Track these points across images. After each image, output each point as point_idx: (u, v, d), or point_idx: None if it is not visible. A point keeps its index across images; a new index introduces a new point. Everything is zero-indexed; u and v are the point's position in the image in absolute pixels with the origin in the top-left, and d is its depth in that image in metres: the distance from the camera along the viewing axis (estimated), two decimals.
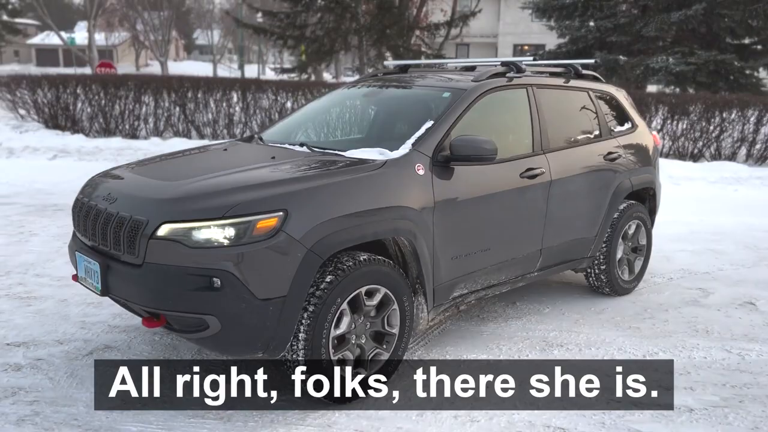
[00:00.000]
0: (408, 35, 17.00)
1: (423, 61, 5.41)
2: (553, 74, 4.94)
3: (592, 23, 16.38)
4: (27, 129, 13.28)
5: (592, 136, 4.81)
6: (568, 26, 16.81)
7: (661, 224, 7.50)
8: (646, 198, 5.38)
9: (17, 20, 45.23)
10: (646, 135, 5.36)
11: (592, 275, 5.01)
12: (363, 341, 3.36)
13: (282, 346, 3.07)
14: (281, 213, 2.98)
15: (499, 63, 4.57)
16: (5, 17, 43.03)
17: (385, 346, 3.45)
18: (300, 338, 3.09)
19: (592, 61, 5.13)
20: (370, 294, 3.33)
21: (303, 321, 3.08)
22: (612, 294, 5.07)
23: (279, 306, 2.98)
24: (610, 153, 4.83)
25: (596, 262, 4.92)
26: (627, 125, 5.19)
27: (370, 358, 3.38)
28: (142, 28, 45.80)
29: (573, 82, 4.84)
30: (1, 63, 52.69)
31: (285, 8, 16.37)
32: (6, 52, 57.59)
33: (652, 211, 5.43)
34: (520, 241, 4.20)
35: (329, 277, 3.13)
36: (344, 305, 3.20)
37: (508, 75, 4.35)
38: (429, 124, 3.76)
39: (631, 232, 5.12)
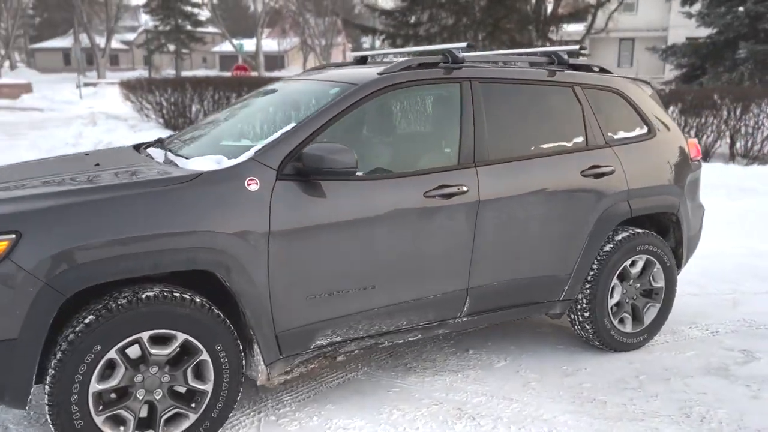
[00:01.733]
0: (530, 28, 15.62)
1: (389, 50, 4.42)
2: (533, 64, 3.90)
3: (741, 8, 13.91)
4: (141, 129, 14.04)
5: (569, 145, 3.70)
6: (712, 14, 14.45)
7: (731, 253, 6.01)
8: (668, 226, 4.10)
9: (201, 30, 49.22)
10: (671, 144, 4.09)
11: (576, 323, 3.89)
12: (158, 397, 2.70)
13: (23, 399, 2.52)
14: (12, 236, 2.42)
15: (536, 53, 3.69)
16: (189, 27, 46.97)
17: (193, 406, 2.77)
18: (46, 392, 2.52)
19: (575, 47, 3.98)
20: (161, 340, 2.67)
21: (49, 371, 2.51)
22: (605, 348, 3.90)
23: (7, 350, 2.43)
24: (594, 167, 3.69)
25: (578, 307, 3.80)
26: (639, 131, 3.98)
27: (164, 417, 2.71)
28: (310, 32, 47.75)
29: (557, 76, 3.76)
30: (190, 68, 57.84)
31: (400, 6, 15.80)
32: (195, 58, 63.24)
33: (679, 245, 4.13)
34: (427, 278, 3.27)
35: (90, 317, 2.52)
36: (113, 353, 2.57)
37: (441, 66, 3.44)
38: (288, 127, 3.00)
39: (635, 270, 3.91)
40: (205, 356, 2.74)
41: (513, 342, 4.06)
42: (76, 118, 17.00)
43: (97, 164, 3.17)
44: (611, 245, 3.77)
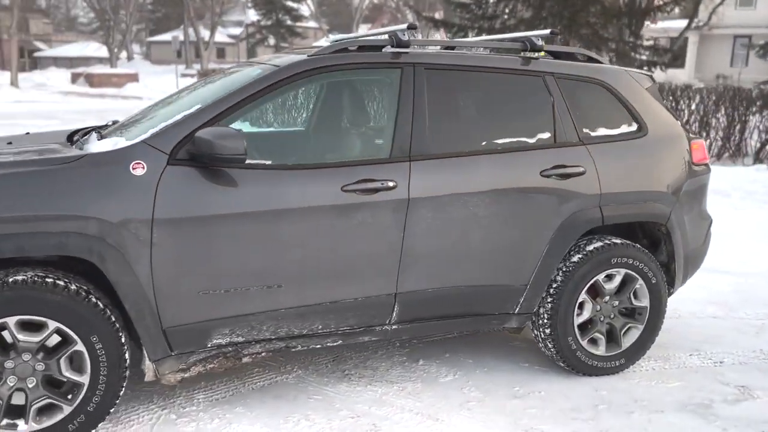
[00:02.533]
0: (619, 22, 14.63)
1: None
2: (506, 50, 3.54)
3: None
4: None
5: (531, 141, 3.30)
6: None
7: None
8: (659, 238, 3.60)
9: (301, 25, 50.30)
10: (666, 144, 3.58)
11: (539, 340, 3.49)
12: (31, 385, 2.60)
13: None
14: None
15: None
16: (290, 22, 48.10)
17: (69, 397, 2.66)
18: None
19: (546, 32, 3.53)
20: (32, 326, 2.57)
21: None
22: (572, 371, 3.48)
23: None
24: (559, 167, 3.27)
25: (540, 322, 3.40)
26: (626, 128, 3.50)
27: (35, 407, 2.61)
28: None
29: (524, 63, 3.37)
30: None
31: None
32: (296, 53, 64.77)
33: (671, 260, 3.61)
34: (345, 280, 2.99)
35: None
36: None
37: (385, 50, 3.15)
38: (191, 110, 2.83)
39: (611, 285, 3.44)
40: (80, 347, 2.62)
41: (473, 355, 3.70)
42: None
43: (10, 143, 3.12)
44: (580, 256, 3.34)
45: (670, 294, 3.73)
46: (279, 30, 47.68)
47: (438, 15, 23.07)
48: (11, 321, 2.52)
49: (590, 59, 3.63)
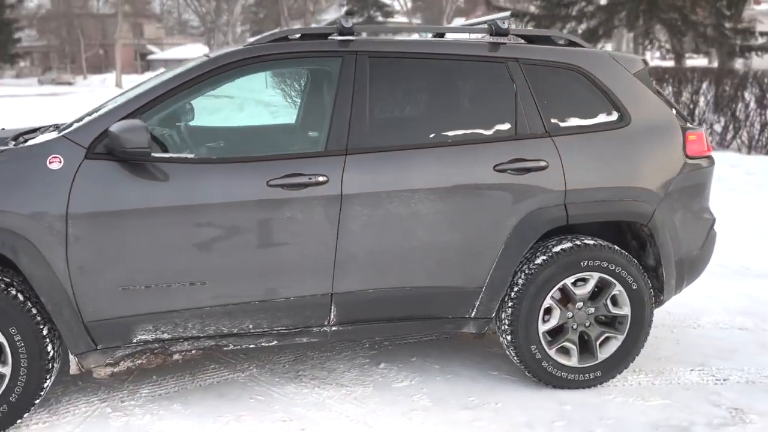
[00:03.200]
0: (704, 5, 13.54)
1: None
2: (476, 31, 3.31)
3: None
4: None
5: (487, 133, 3.05)
6: None
7: None
8: (645, 240, 3.24)
9: (391, 21, 50.49)
10: (654, 135, 3.22)
11: (504, 347, 3.24)
12: None
13: None
14: None
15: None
16: (381, 18, 48.39)
17: None
18: None
19: (506, 14, 3.23)
20: None
21: None
22: (540, 382, 3.20)
23: None
24: (517, 160, 3.00)
25: (502, 328, 3.15)
26: (604, 117, 3.17)
27: None
28: None
29: (483, 49, 3.13)
30: None
31: None
32: None
33: (659, 264, 3.24)
34: (274, 279, 2.88)
35: None
36: None
37: (331, 38, 3.01)
38: (117, 102, 2.81)
39: (583, 291, 3.13)
40: (0, 338, 2.66)
41: (442, 360, 3.49)
42: None
43: None
44: (545, 257, 3.06)
45: (661, 302, 3.36)
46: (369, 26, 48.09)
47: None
48: None
49: (571, 43, 3.32)
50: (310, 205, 2.81)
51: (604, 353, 3.21)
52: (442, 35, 3.53)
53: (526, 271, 3.07)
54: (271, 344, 2.99)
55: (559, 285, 3.09)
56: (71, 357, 2.79)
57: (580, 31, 14.36)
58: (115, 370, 2.92)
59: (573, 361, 3.18)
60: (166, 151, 2.88)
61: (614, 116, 3.18)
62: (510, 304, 3.09)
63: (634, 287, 3.15)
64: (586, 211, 3.09)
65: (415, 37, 3.36)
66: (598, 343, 3.20)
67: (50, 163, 2.65)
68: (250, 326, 2.92)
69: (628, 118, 3.18)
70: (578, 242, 3.08)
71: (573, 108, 3.17)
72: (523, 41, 3.28)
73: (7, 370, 2.69)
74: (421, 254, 2.98)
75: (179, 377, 3.30)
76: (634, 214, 3.15)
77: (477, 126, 3.04)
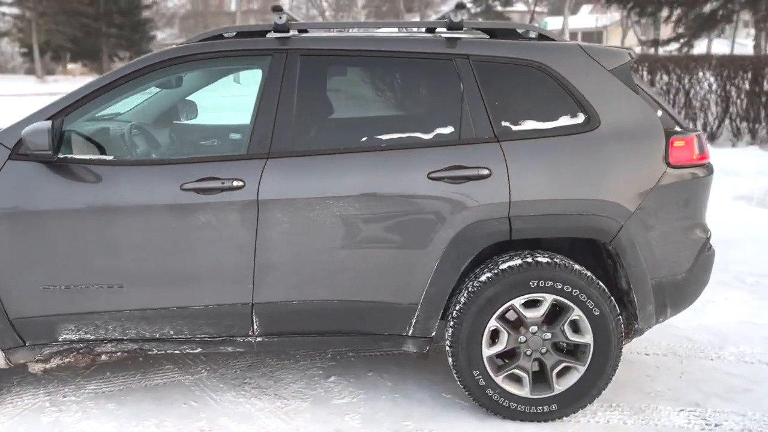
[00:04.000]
0: None
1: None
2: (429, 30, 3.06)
3: None
4: None
5: (426, 137, 2.78)
6: None
7: None
8: (615, 261, 2.84)
9: (511, 9, 49.16)
10: (628, 139, 2.81)
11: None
12: None
13: None
14: None
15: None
16: (499, 7, 47.28)
17: None
18: None
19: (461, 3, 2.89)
20: None
21: None
22: (488, 412, 2.91)
23: None
24: (456, 167, 2.73)
25: (445, 349, 2.89)
26: (568, 120, 2.81)
27: None
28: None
29: (432, 45, 2.87)
30: None
31: None
32: None
33: (630, 288, 2.83)
34: (192, 286, 2.80)
35: None
36: None
37: (269, 36, 2.89)
38: (54, 101, 2.84)
39: (536, 314, 2.80)
40: None
41: (397, 378, 3.28)
42: None
43: None
44: (490, 274, 2.77)
45: (638, 331, 2.95)
46: (488, 16, 47.09)
47: None
48: None
49: (541, 36, 2.98)
50: (225, 210, 2.70)
51: (562, 384, 2.86)
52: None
53: (470, 289, 2.79)
54: (195, 351, 2.92)
55: (506, 306, 2.78)
56: (0, 352, 2.87)
57: (692, 17, 13.14)
58: (47, 366, 2.97)
59: (525, 391, 2.86)
60: (102, 152, 2.87)
61: (580, 119, 2.81)
62: (451, 323, 2.83)
63: (596, 313, 2.77)
64: (534, 226, 2.76)
65: (357, 33, 3.13)
66: (554, 372, 2.86)
67: None
68: (171, 332, 2.87)
69: (596, 121, 2.80)
70: (529, 260, 2.75)
71: (530, 109, 2.83)
72: (484, 35, 2.98)
73: None
74: (348, 266, 2.78)
75: (130, 376, 3.31)
76: (594, 230, 2.77)
77: (416, 129, 2.79)
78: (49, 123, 2.60)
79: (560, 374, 2.87)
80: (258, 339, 2.88)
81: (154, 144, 2.98)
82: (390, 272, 2.79)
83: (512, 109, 2.82)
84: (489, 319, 2.79)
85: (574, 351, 2.88)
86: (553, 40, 2.96)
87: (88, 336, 2.87)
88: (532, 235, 2.79)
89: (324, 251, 2.76)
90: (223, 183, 2.68)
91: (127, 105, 3.13)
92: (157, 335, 2.87)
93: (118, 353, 2.94)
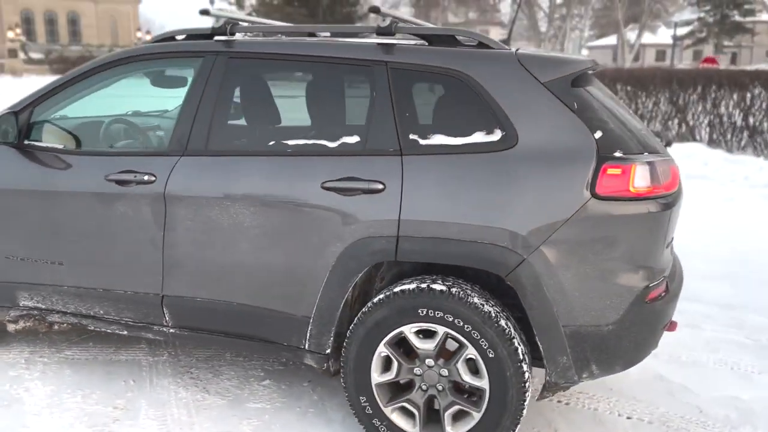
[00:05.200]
0: None
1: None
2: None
3: None
4: None
5: (332, 145, 2.65)
6: None
7: None
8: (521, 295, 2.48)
9: (752, 20, 44.04)
10: (546, 162, 2.43)
11: None
12: None
13: None
14: None
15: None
16: (738, 17, 42.64)
17: None
18: None
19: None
20: None
21: None
22: None
23: None
24: (349, 179, 2.57)
25: (340, 369, 2.76)
26: (483, 137, 2.50)
27: None
28: None
29: (356, 52, 2.75)
30: (750, 62, 52.63)
31: None
32: (757, 53, 56.90)
33: (533, 329, 2.45)
34: (113, 271, 2.97)
35: None
36: None
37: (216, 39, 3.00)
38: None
39: (427, 346, 2.55)
40: None
41: (330, 393, 3.16)
42: None
43: None
44: (382, 296, 2.58)
45: (556, 386, 2.55)
46: (723, 27, 42.78)
47: None
48: None
49: (482, 44, 2.69)
50: (138, 202, 2.84)
51: (457, 429, 2.58)
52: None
53: (364, 310, 2.63)
54: (122, 333, 3.10)
55: (396, 332, 2.57)
56: None
57: None
58: (17, 327, 3.34)
59: (414, 429, 2.62)
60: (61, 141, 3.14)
61: (496, 136, 2.49)
62: (345, 342, 2.69)
63: (491, 355, 2.45)
64: (422, 248, 2.50)
65: (285, 38, 3.06)
66: (447, 414, 2.58)
67: None
68: (101, 312, 3.07)
69: (514, 139, 2.46)
70: (423, 285, 2.51)
71: (443, 123, 2.58)
72: (420, 41, 2.78)
73: None
74: (245, 270, 2.77)
75: (105, 348, 3.59)
76: (487, 261, 2.44)
77: (324, 137, 2.68)
78: (9, 113, 2.95)
79: (456, 418, 2.59)
80: (171, 330, 2.98)
81: (96, 137, 3.21)
82: (283, 281, 2.72)
83: (423, 122, 2.60)
84: (378, 344, 2.59)
85: (475, 392, 2.57)
86: (491, 48, 2.66)
87: (40, 305, 3.18)
88: (419, 258, 2.54)
89: (223, 252, 2.77)
90: (135, 176, 2.82)
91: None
92: (91, 312, 3.10)
93: (64, 324, 3.22)
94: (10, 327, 3.34)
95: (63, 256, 3.04)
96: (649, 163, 2.43)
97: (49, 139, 3.04)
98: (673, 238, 2.73)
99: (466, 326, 2.46)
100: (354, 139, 2.64)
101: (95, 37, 51.40)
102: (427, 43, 2.75)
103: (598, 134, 2.43)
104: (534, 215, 2.39)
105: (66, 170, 2.98)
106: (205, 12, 2.87)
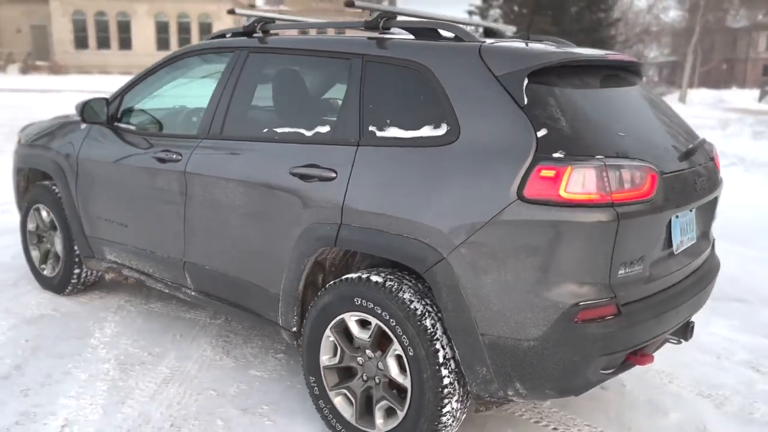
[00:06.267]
0: None
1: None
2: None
3: None
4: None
5: (307, 134, 2.80)
6: None
7: None
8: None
9: None
10: (480, 160, 2.31)
11: None
12: None
13: None
14: None
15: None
16: None
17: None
18: None
19: None
20: None
21: None
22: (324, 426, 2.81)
23: None
24: (311, 166, 2.70)
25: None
26: (429, 131, 2.46)
27: None
28: None
29: (343, 46, 2.87)
30: None
31: None
32: None
33: (448, 332, 2.34)
34: (155, 235, 3.44)
35: None
36: None
37: (254, 35, 3.35)
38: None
39: (362, 336, 2.57)
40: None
41: None
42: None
43: None
44: (332, 282, 2.68)
45: (480, 398, 2.41)
46: None
47: None
48: None
49: (457, 38, 2.62)
50: (170, 178, 3.26)
51: (384, 425, 2.58)
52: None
53: (318, 294, 2.74)
54: (165, 291, 3.57)
55: (338, 318, 2.64)
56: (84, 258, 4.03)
57: None
58: (108, 276, 4.03)
59: (351, 417, 2.67)
60: (153, 124, 3.72)
61: (442, 130, 2.42)
62: (303, 323, 2.82)
63: (410, 353, 2.41)
64: (356, 238, 2.52)
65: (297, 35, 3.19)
66: (378, 407, 2.59)
67: (81, 124, 3.89)
68: (151, 270, 3.58)
69: (456, 135, 2.38)
70: (363, 275, 2.55)
71: (400, 115, 2.56)
72: (408, 35, 2.78)
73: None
74: (233, 244, 3.04)
75: (177, 306, 4.14)
76: (408, 256, 2.38)
77: (303, 126, 2.83)
78: (102, 98, 3.60)
79: (389, 413, 2.58)
80: (193, 293, 3.37)
81: (155, 121, 3.68)
82: (260, 257, 2.94)
83: (383, 113, 2.61)
84: (325, 328, 2.68)
85: (403, 392, 2.53)
86: (463, 40, 2.57)
87: (117, 260, 3.80)
88: (355, 248, 2.56)
89: (221, 226, 3.07)
90: (167, 155, 3.26)
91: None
92: (145, 270, 3.62)
93: (131, 278, 3.81)
94: (107, 276, 4.04)
95: (127, 219, 3.61)
96: (598, 168, 2.17)
97: (126, 121, 3.63)
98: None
99: (391, 320, 2.44)
100: (326, 128, 2.76)
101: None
102: (413, 37, 2.75)
103: (542, 132, 2.24)
104: (458, 214, 2.29)
105: (130, 147, 3.54)
106: (231, 11, 3.21)
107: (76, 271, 4.11)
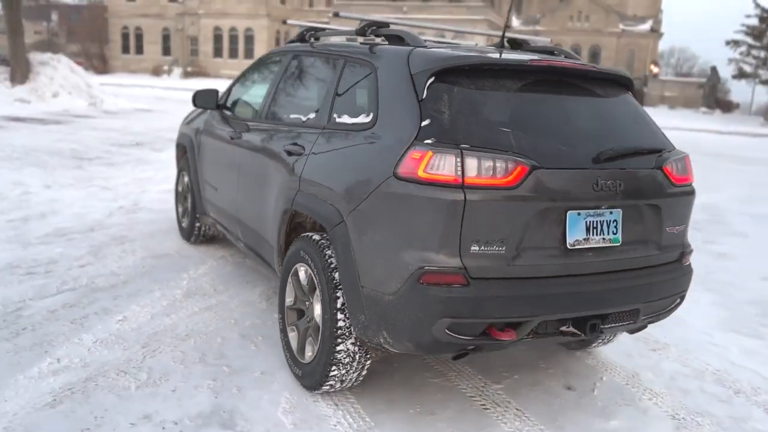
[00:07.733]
0: None
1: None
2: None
3: None
4: None
5: (304, 119, 3.49)
6: None
7: None
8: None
9: None
10: (377, 143, 2.79)
11: None
12: None
13: None
14: None
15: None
16: None
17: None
18: None
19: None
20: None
21: None
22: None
23: None
24: (294, 144, 3.38)
25: None
26: (364, 118, 2.97)
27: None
28: None
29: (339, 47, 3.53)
30: None
31: None
32: None
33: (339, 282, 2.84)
34: (229, 198, 4.34)
35: None
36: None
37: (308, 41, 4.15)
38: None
39: (303, 282, 3.18)
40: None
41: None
42: None
43: None
44: (297, 238, 3.33)
45: (364, 343, 2.87)
46: None
47: None
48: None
49: (400, 38, 3.13)
50: (234, 152, 4.17)
51: (306, 357, 3.15)
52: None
53: (282, 245, 3.43)
54: (246, 251, 4.41)
55: (295, 267, 3.26)
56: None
57: None
58: (213, 230, 5.10)
59: (295, 348, 3.28)
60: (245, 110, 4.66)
61: (368, 118, 2.92)
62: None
63: (321, 297, 2.97)
64: (302, 202, 3.13)
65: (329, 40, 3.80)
66: (308, 342, 3.17)
67: (207, 111, 5.01)
68: (227, 225, 4.51)
69: (373, 122, 2.88)
70: (310, 234, 3.15)
71: (353, 106, 3.11)
72: (385, 41, 3.30)
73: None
74: (254, 204, 3.84)
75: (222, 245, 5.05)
76: (324, 217, 2.91)
77: (303, 113, 3.52)
78: (214, 89, 4.65)
79: (309, 344, 3.15)
80: (242, 245, 4.24)
81: (240, 107, 4.56)
82: (265, 215, 3.66)
83: (344, 104, 3.16)
84: (288, 275, 3.33)
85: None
86: (409, 45, 3.03)
87: (215, 216, 4.81)
88: (299, 209, 3.15)
89: (250, 189, 3.89)
90: (234, 133, 4.18)
91: None
92: (225, 226, 4.57)
93: (220, 234, 4.80)
94: (214, 230, 5.13)
95: (218, 183, 4.61)
96: (455, 154, 2.51)
97: (226, 106, 4.64)
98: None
99: (314, 269, 3.01)
100: (313, 115, 3.41)
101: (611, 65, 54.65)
102: (387, 42, 3.27)
103: (425, 122, 2.64)
104: (356, 184, 2.79)
105: (222, 126, 4.53)
106: (283, 22, 4.00)
107: (197, 224, 5.25)
